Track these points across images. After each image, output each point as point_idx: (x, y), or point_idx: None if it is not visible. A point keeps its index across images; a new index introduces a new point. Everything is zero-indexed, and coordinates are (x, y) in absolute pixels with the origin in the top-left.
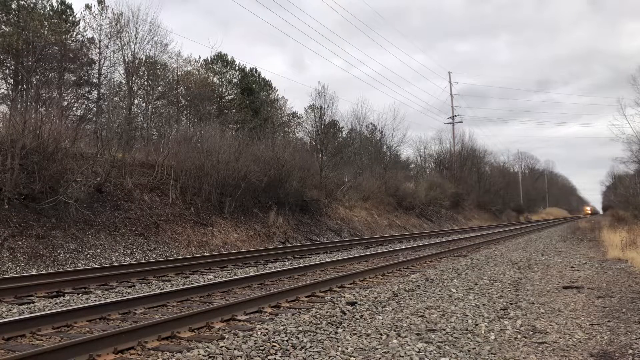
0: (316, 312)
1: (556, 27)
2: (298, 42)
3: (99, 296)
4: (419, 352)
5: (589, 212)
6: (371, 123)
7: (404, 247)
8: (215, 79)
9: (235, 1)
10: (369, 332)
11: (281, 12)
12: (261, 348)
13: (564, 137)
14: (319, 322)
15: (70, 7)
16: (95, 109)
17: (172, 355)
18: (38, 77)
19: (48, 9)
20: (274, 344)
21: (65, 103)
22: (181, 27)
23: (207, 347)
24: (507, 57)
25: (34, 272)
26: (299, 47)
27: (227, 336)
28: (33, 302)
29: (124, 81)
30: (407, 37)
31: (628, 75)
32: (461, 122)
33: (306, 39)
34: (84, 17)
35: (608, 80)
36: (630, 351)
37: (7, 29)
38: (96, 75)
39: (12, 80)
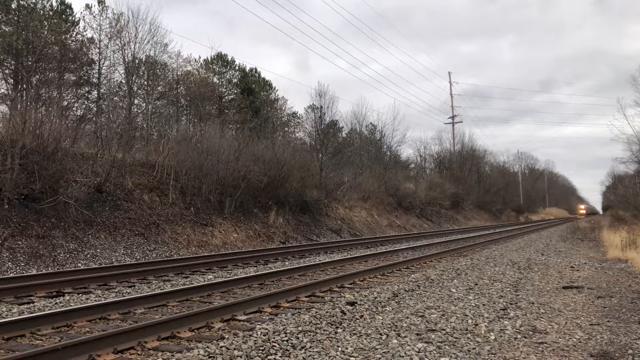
0: (316, 312)
1: (561, 28)
2: (302, 45)
3: (99, 296)
4: (419, 352)
5: (584, 212)
6: (371, 123)
7: (403, 247)
8: (215, 79)
9: (240, 4)
10: (369, 332)
11: (286, 14)
12: (261, 348)
13: (565, 137)
14: (318, 322)
15: (70, 7)
16: (95, 109)
17: (172, 355)
18: (38, 77)
19: (48, 9)
20: (274, 344)
21: (65, 103)
22: (187, 28)
23: (207, 347)
24: (511, 58)
25: (34, 272)
26: (304, 48)
27: (227, 336)
28: (33, 302)
29: (124, 81)
30: (410, 38)
31: (629, 76)
32: (461, 122)
33: (311, 41)
34: (83, 17)
35: (611, 80)
36: (630, 351)
37: (7, 29)
38: (96, 75)
39: (12, 80)
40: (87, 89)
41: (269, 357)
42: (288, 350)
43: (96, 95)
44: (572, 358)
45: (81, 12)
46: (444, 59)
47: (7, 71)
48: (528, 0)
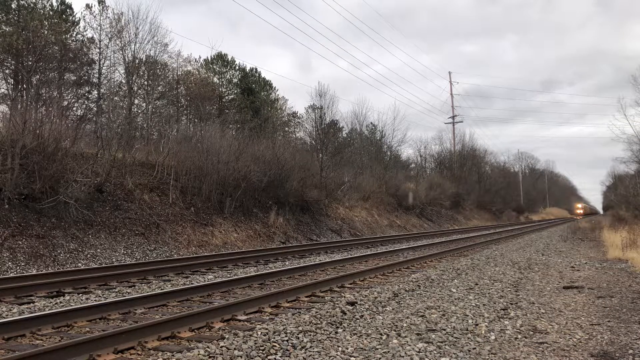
0: (316, 312)
1: (562, 28)
2: (305, 46)
3: (99, 296)
4: (419, 352)
5: (582, 211)
6: (371, 123)
7: (404, 247)
8: (215, 79)
9: (242, 4)
10: (369, 332)
11: (288, 15)
12: (261, 348)
13: (566, 137)
14: (319, 322)
15: (70, 6)
16: (95, 109)
17: (172, 355)
18: (38, 77)
19: (48, 8)
20: (274, 344)
21: (65, 103)
22: (188, 28)
23: (207, 347)
24: (513, 58)
25: (34, 272)
26: (306, 48)
27: (227, 336)
28: (33, 302)
29: (124, 81)
30: (411, 38)
31: (630, 76)
32: (461, 122)
33: (312, 41)
34: (84, 16)
35: (613, 80)
36: (630, 351)
37: (7, 29)
38: (96, 75)
39: (12, 80)
40: (87, 88)
41: (269, 357)
42: (288, 350)
43: (96, 95)
44: (573, 358)
45: (81, 12)
46: (446, 59)
47: (7, 71)
48: (530, 0)
